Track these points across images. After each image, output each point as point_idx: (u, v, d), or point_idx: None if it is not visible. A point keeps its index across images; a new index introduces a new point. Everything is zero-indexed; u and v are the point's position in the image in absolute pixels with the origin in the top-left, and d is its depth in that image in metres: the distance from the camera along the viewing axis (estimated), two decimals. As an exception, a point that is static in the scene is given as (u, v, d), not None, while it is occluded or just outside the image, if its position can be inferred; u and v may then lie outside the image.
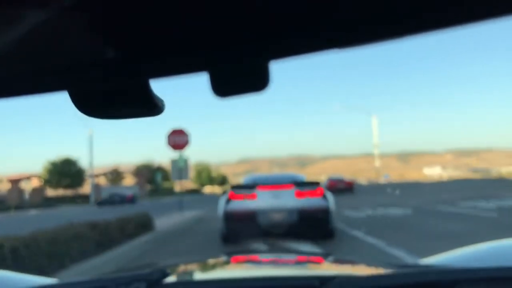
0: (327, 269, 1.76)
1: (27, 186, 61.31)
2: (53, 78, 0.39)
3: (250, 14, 0.32)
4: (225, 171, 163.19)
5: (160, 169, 72.16)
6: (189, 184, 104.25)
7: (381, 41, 0.33)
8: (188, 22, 0.32)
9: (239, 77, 0.43)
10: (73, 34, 0.34)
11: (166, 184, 75.66)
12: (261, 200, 7.51)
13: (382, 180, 51.05)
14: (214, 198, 46.31)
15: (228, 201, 7.71)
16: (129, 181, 68.21)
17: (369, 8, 0.31)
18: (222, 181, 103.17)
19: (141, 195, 62.66)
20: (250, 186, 7.74)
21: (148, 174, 66.98)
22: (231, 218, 7.56)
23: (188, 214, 15.94)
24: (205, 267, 1.87)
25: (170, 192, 71.60)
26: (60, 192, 62.34)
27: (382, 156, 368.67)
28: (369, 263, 1.77)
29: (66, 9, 0.31)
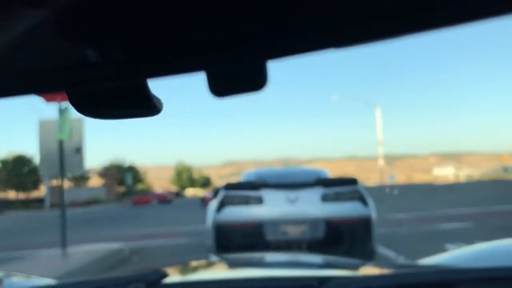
0: (326, 269, 1.71)
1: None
2: (50, 78, 0.38)
3: (247, 14, 0.31)
4: (210, 173, 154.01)
5: (131, 169, 62.29)
6: (169, 186, 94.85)
7: (378, 40, 0.33)
8: (185, 22, 0.32)
9: (236, 77, 0.42)
10: (70, 34, 0.33)
11: (141, 186, 66.08)
12: (271, 206, 4.80)
13: (387, 181, 42.31)
14: (190, 202, 37.59)
15: (221, 207, 4.86)
16: (96, 182, 58.40)
17: (365, 7, 0.31)
18: (205, 183, 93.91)
19: (109, 198, 52.89)
20: (253, 186, 4.92)
21: (118, 174, 57.11)
22: (224, 232, 4.80)
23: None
24: (203, 268, 1.83)
25: (145, 194, 62.08)
26: (12, 195, 52.43)
27: (367, 159, 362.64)
28: (367, 264, 1.74)
29: (63, 9, 0.30)
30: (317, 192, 4.94)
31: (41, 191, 52.30)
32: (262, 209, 4.89)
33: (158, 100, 0.46)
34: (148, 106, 0.44)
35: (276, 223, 4.85)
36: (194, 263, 1.92)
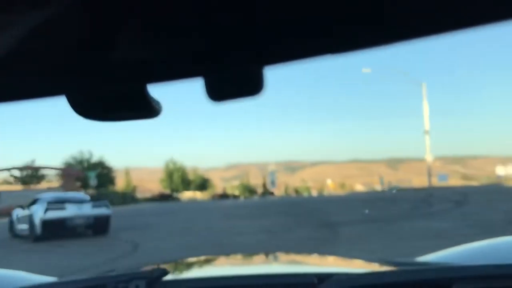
0: (325, 266, 1.73)
1: None
2: (52, 82, 0.37)
3: (244, 21, 0.31)
4: (213, 176, 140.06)
5: (99, 166, 48.20)
6: (157, 187, 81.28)
7: (374, 46, 0.32)
8: (184, 29, 0.32)
9: (233, 82, 0.42)
10: (70, 39, 0.32)
11: (115, 187, 52.39)
12: (69, 210, 12.25)
13: (438, 183, 28.13)
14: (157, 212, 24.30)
15: (46, 211, 11.76)
16: (54, 183, 44.67)
17: (361, 14, 0.30)
18: (202, 184, 79.91)
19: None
20: (61, 201, 12.44)
21: (82, 173, 43.19)
22: (48, 224, 11.70)
23: None
24: (204, 265, 1.85)
25: (124, 198, 48.32)
26: None
27: (370, 162, 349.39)
28: (366, 261, 1.76)
29: (63, 14, 0.30)
30: (89, 204, 12.73)
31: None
32: (66, 212, 12.12)
33: (158, 103, 0.45)
34: (148, 109, 0.44)
35: (72, 218, 12.13)
36: (194, 260, 1.96)
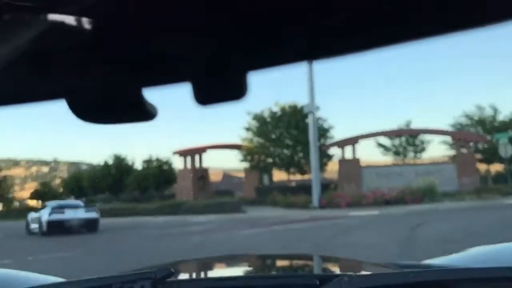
0: (327, 268, 1.74)
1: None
2: (51, 86, 0.39)
3: (229, 30, 0.33)
4: None
5: (509, 127, 29.75)
6: None
7: (358, 52, 0.32)
8: (172, 36, 0.33)
9: (219, 87, 0.44)
10: (69, 45, 0.34)
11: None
12: (67, 214, 15.67)
13: None
14: None
15: (50, 214, 15.42)
16: (442, 154, 30.09)
17: (342, 20, 0.30)
18: None
19: (463, 187, 23.95)
20: (61, 207, 16.09)
21: (484, 139, 27.01)
22: (52, 224, 15.24)
23: None
24: (208, 266, 1.88)
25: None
26: (283, 176, 30.52)
27: None
28: (369, 262, 1.76)
29: (61, 22, 0.31)
30: (82, 208, 16.44)
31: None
32: (64, 215, 15.71)
33: (153, 106, 0.47)
34: (143, 113, 0.46)
35: (69, 220, 15.58)
36: (199, 260, 2.02)
